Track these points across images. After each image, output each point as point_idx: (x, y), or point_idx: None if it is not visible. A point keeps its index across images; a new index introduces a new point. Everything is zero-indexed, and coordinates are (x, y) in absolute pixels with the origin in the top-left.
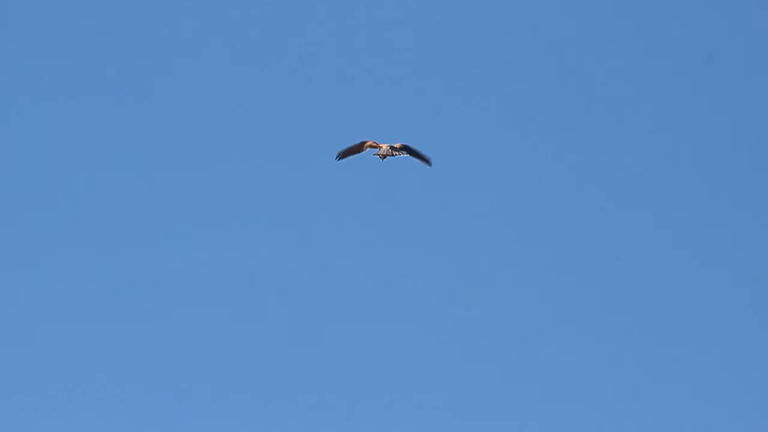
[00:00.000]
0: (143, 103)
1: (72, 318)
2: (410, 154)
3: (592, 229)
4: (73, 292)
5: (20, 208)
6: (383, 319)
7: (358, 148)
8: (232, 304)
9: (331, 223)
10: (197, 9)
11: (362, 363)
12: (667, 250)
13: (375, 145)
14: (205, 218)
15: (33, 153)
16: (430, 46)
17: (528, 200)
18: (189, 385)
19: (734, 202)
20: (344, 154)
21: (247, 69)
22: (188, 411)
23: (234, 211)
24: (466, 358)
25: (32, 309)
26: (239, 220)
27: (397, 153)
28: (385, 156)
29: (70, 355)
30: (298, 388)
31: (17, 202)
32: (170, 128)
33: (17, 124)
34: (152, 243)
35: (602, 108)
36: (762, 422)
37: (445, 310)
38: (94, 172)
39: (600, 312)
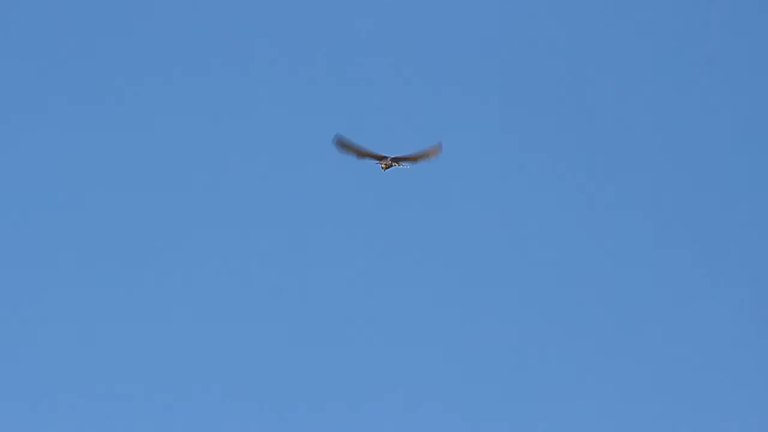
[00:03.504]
0: (139, 102)
1: (69, 323)
2: (413, 160)
3: (593, 232)
4: (71, 296)
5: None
6: (382, 324)
7: (359, 152)
8: (232, 306)
9: (332, 225)
10: (194, 11)
11: (363, 367)
12: (667, 251)
13: (379, 156)
14: (204, 221)
15: (26, 158)
16: (428, 47)
17: (527, 205)
18: (190, 388)
19: (735, 203)
20: (343, 146)
21: (245, 71)
22: (190, 415)
23: (233, 213)
24: (468, 363)
25: (31, 316)
26: (238, 222)
27: (398, 164)
28: (388, 166)
29: (67, 362)
30: (297, 392)
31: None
32: (168, 129)
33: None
34: (150, 246)
35: (600, 109)
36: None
37: (444, 315)
38: (90, 176)
39: (601, 319)
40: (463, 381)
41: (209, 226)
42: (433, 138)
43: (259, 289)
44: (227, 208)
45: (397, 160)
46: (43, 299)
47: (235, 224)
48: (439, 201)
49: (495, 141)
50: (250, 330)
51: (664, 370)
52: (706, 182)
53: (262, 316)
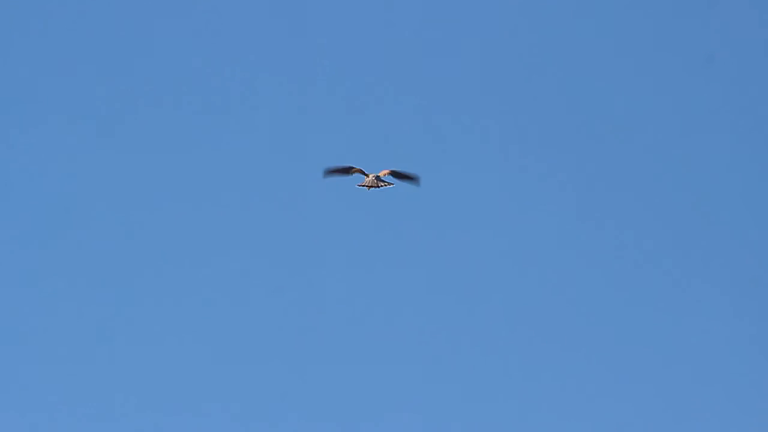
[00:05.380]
0: (135, 100)
1: (70, 328)
2: (397, 177)
3: (593, 233)
4: (72, 299)
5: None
6: (381, 334)
7: (346, 170)
8: (230, 310)
9: (324, 242)
10: (192, 12)
11: (360, 379)
12: (668, 252)
13: (362, 172)
14: (203, 227)
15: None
16: (427, 52)
17: (526, 209)
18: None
19: (735, 204)
20: (331, 173)
21: (241, 74)
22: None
23: (229, 214)
24: (462, 378)
25: (32, 320)
26: (237, 223)
27: (383, 184)
28: (371, 187)
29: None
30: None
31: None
32: (164, 129)
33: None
34: (150, 252)
35: (599, 109)
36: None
37: (442, 327)
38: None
39: (601, 330)
40: (460, 399)
41: (208, 232)
42: (425, 147)
43: (259, 292)
44: (229, 217)
45: (379, 178)
46: (43, 303)
47: (231, 228)
48: (432, 216)
49: (494, 143)
50: (249, 341)
51: (663, 371)
52: (705, 182)
53: (259, 324)
